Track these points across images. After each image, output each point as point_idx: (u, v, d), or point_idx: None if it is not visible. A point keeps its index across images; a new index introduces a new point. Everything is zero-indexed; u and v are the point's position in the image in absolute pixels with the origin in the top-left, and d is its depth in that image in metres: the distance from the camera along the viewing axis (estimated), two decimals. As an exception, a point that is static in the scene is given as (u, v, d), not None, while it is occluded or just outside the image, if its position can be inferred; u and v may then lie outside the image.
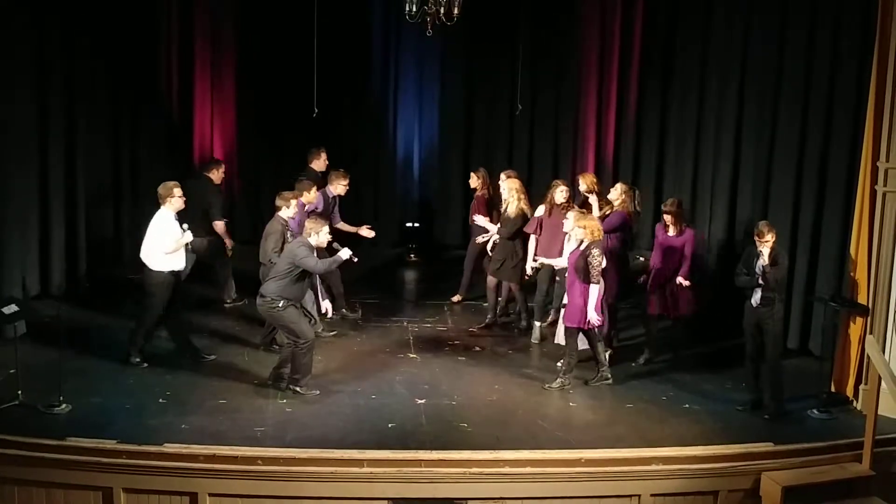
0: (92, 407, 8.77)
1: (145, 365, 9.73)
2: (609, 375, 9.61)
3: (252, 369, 9.73)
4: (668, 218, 10.05)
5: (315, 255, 9.20)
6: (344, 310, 11.16)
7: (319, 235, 9.21)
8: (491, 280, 11.05)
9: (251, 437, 8.33)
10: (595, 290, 9.24)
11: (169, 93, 13.36)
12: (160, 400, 8.97)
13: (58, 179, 11.19)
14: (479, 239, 11.23)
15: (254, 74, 13.61)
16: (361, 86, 13.94)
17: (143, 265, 9.68)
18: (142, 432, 8.26)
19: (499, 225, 10.94)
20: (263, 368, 9.69)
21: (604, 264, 9.40)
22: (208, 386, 9.33)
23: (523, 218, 10.69)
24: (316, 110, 11.08)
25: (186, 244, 9.74)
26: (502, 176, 11.08)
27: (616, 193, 10.41)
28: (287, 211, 10.01)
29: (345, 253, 9.31)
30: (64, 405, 8.68)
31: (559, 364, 9.66)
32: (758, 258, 8.95)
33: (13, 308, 8.96)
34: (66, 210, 11.33)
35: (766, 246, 8.89)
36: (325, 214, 10.94)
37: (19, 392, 8.69)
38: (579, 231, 9.36)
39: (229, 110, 13.78)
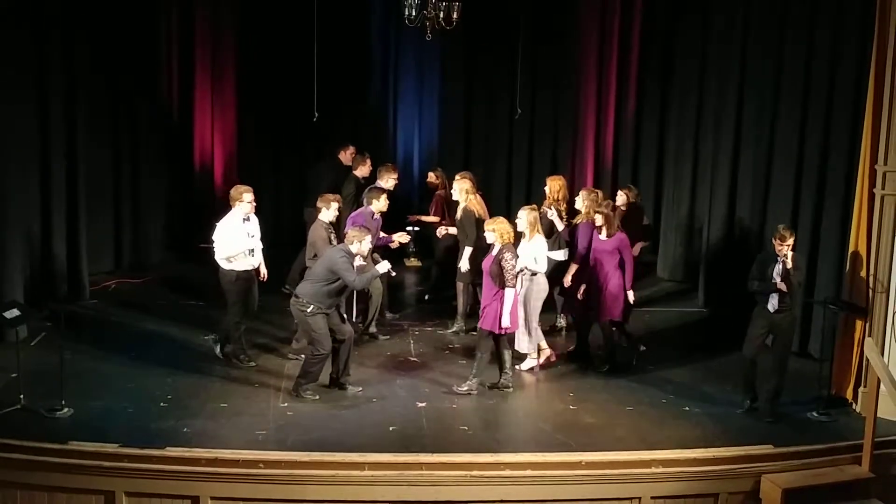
0: (94, 411, 8.78)
1: (252, 364, 9.85)
2: (510, 384, 9.52)
3: (254, 373, 9.76)
4: (599, 219, 9.95)
5: (355, 264, 9.14)
6: (388, 313, 11.21)
7: (362, 244, 9.14)
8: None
9: (253, 441, 8.34)
10: (511, 295, 9.19)
11: (170, 97, 13.41)
12: (162, 404, 8.99)
13: (59, 183, 11.21)
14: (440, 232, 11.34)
15: (254, 79, 13.65)
16: (361, 90, 13.99)
17: (217, 266, 9.80)
18: (144, 436, 8.28)
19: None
20: (265, 371, 9.76)
21: (518, 268, 9.37)
22: (210, 390, 9.35)
23: (475, 216, 10.66)
24: (316, 114, 11.11)
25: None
26: (456, 177, 11.02)
27: (580, 202, 10.39)
28: (328, 213, 10.00)
29: (382, 266, 9.28)
30: (66, 409, 8.69)
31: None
32: (776, 263, 8.90)
33: (15, 312, 8.98)
34: (68, 213, 11.35)
35: (788, 249, 8.83)
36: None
37: (21, 396, 8.70)
38: (490, 235, 9.34)
39: (230, 115, 13.83)
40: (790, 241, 8.84)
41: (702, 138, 12.47)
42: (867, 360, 8.86)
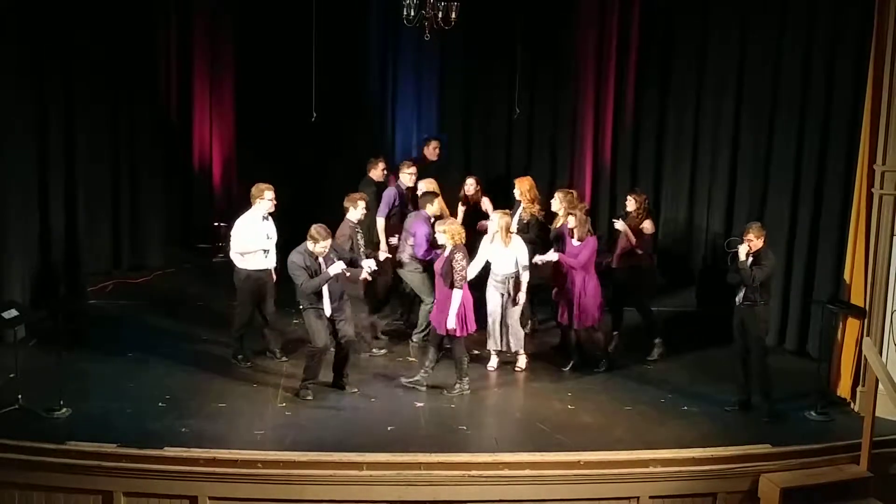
0: (92, 411, 8.78)
1: (248, 364, 9.82)
2: (468, 388, 9.47)
3: (252, 373, 9.75)
4: (572, 221, 9.91)
5: (309, 261, 9.05)
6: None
7: (317, 246, 9.08)
8: None
9: (251, 441, 8.35)
10: (458, 296, 9.19)
11: (168, 98, 13.39)
12: (160, 404, 8.99)
13: (58, 184, 11.19)
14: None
15: (252, 80, 13.61)
16: (360, 90, 13.95)
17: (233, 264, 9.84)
18: (142, 436, 8.28)
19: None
20: (264, 372, 9.75)
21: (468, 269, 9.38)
22: (208, 390, 9.35)
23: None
24: (314, 114, 11.11)
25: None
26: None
27: (556, 204, 10.33)
28: (355, 212, 9.98)
29: (335, 268, 9.12)
30: (64, 409, 8.70)
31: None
32: (749, 257, 8.99)
33: (13, 313, 8.99)
34: (67, 214, 11.34)
35: (744, 243, 8.93)
36: (403, 207, 10.96)
37: (19, 396, 8.70)
38: (441, 236, 9.35)
39: (228, 115, 13.80)
40: (749, 236, 8.96)
41: (700, 138, 12.48)
42: (865, 359, 8.86)
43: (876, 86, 8.94)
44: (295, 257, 9.07)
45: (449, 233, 9.31)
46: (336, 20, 12.83)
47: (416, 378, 9.50)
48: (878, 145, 8.96)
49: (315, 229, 9.11)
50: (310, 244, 9.08)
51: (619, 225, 10.40)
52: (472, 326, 9.41)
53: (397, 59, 13.98)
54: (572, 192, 10.58)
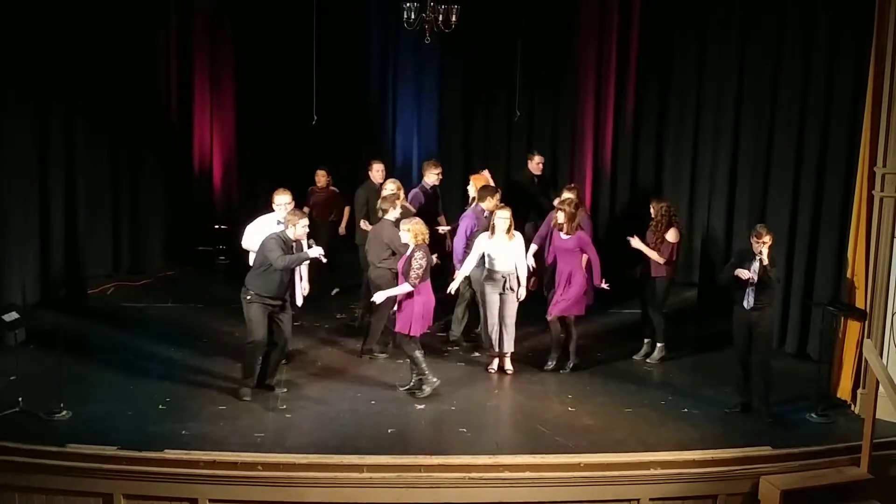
0: (92, 413, 8.78)
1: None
2: (435, 379, 9.44)
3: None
4: (560, 216, 9.94)
5: (286, 248, 9.01)
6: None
7: (297, 228, 9.08)
8: None
9: (251, 443, 8.34)
10: (404, 288, 9.20)
11: (168, 101, 13.39)
12: (160, 406, 8.99)
13: (58, 186, 11.22)
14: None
15: (253, 83, 13.62)
16: (360, 93, 13.97)
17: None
18: (142, 438, 8.28)
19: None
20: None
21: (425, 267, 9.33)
22: (208, 392, 9.34)
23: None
24: (315, 118, 11.11)
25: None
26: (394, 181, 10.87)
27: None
28: (394, 212, 10.01)
29: (314, 251, 9.14)
30: (64, 412, 8.69)
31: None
32: (753, 260, 8.96)
33: (13, 315, 9.00)
34: (67, 216, 11.38)
35: (764, 246, 8.89)
36: (429, 208, 10.94)
37: (20, 399, 8.70)
38: (406, 234, 9.36)
39: (229, 118, 13.80)
40: (766, 239, 8.87)
41: (700, 139, 12.48)
42: (866, 361, 8.86)
43: (876, 88, 8.93)
44: (271, 239, 9.04)
45: (412, 231, 9.31)
46: (336, 22, 12.86)
47: (411, 384, 9.50)
48: (879, 148, 8.95)
49: (289, 213, 9.16)
50: (288, 231, 9.08)
51: (635, 243, 10.19)
52: (429, 324, 9.48)
53: (397, 61, 14.00)
54: (576, 189, 10.63)
